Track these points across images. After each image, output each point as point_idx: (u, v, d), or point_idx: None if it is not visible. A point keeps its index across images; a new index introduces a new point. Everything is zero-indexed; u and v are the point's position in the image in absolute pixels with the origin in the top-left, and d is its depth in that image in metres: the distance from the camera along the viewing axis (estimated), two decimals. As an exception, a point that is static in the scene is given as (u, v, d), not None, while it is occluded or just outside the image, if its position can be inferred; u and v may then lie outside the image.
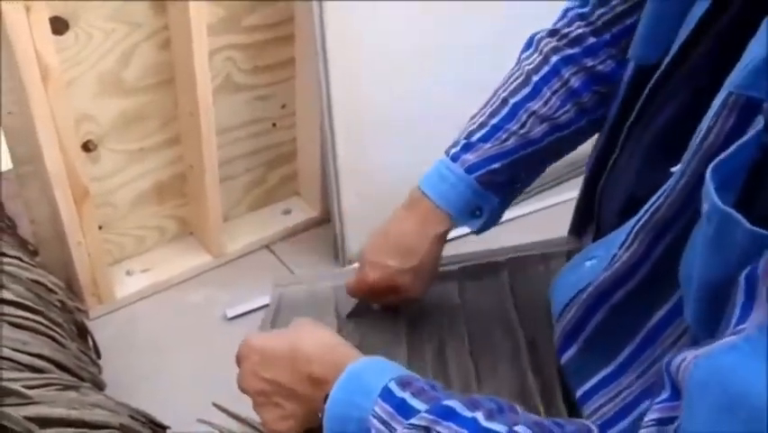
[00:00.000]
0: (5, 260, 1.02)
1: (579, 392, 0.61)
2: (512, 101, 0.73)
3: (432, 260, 0.74)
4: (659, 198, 0.51)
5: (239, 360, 0.63)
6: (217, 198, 1.51)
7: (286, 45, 1.51)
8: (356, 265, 0.80)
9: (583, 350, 0.61)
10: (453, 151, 0.73)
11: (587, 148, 0.77)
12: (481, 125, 0.73)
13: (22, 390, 0.76)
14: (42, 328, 0.95)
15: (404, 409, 0.51)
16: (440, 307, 0.79)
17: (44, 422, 0.74)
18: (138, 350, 1.41)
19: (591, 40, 0.72)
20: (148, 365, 1.37)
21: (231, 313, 1.50)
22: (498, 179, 0.73)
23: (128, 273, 1.54)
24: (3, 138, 1.26)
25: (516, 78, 0.74)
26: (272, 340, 0.61)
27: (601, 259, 0.59)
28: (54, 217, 1.33)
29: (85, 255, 1.37)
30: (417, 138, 1.53)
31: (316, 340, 0.59)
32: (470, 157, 0.72)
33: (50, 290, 1.07)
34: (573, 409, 0.64)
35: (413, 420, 0.50)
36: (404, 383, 0.53)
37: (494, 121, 0.73)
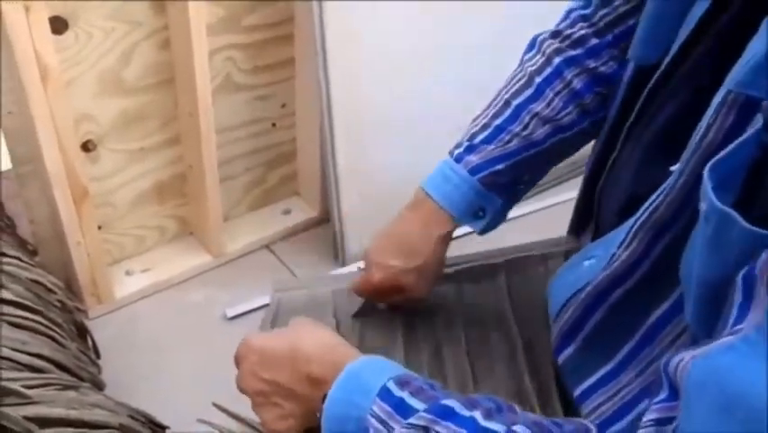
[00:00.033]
0: (5, 260, 1.02)
1: (577, 391, 0.61)
2: (515, 102, 0.73)
3: (436, 260, 0.75)
4: (658, 196, 0.51)
5: (238, 360, 0.63)
6: (217, 197, 1.51)
7: (286, 45, 1.51)
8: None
9: (582, 349, 0.61)
10: (457, 152, 0.74)
11: (587, 148, 0.77)
12: (484, 127, 0.74)
13: (22, 389, 0.76)
14: (42, 328, 0.95)
15: (402, 409, 0.51)
16: (437, 309, 0.79)
17: (43, 422, 0.74)
18: (137, 350, 1.41)
19: (594, 41, 0.72)
20: (147, 365, 1.37)
21: (231, 313, 1.50)
22: (502, 180, 0.73)
23: (128, 273, 1.54)
24: (2, 138, 1.26)
25: (519, 80, 0.75)
26: (271, 340, 0.61)
27: (600, 258, 0.59)
28: (53, 217, 1.33)
29: (84, 255, 1.37)
30: (417, 138, 1.53)
31: (316, 340, 0.59)
32: (474, 158, 0.72)
33: (50, 290, 1.07)
34: (569, 409, 0.64)
35: (411, 420, 0.49)
36: (402, 383, 0.53)
37: (497, 122, 0.73)
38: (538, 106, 0.72)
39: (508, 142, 0.72)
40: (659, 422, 0.40)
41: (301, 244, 1.69)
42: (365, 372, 0.55)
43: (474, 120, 0.76)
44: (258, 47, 1.47)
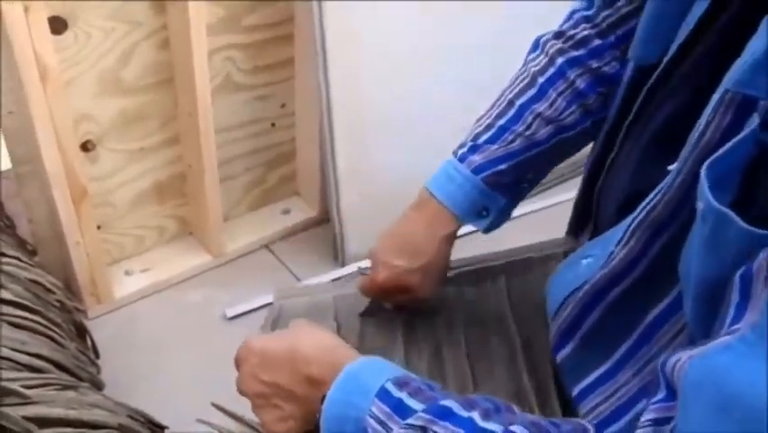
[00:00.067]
0: (4, 260, 1.02)
1: (575, 391, 0.61)
2: (518, 103, 0.74)
3: (440, 259, 0.75)
4: (656, 195, 0.51)
5: (238, 363, 0.63)
6: (217, 197, 1.51)
7: (285, 45, 1.51)
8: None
9: (579, 348, 0.61)
10: (461, 152, 0.74)
11: (588, 147, 0.77)
12: (488, 127, 0.74)
13: (21, 389, 0.76)
14: (41, 328, 0.95)
15: (401, 409, 0.51)
16: (437, 311, 0.79)
17: (43, 422, 0.74)
18: (137, 350, 1.41)
19: (596, 41, 0.73)
20: (147, 365, 1.37)
21: (230, 313, 1.50)
22: (505, 179, 0.73)
23: (127, 273, 1.54)
24: (2, 138, 1.26)
25: (523, 80, 0.75)
26: (271, 342, 0.62)
27: (598, 257, 0.59)
28: (53, 217, 1.33)
29: (83, 255, 1.37)
30: (417, 138, 1.53)
31: (316, 342, 0.59)
32: (477, 158, 0.73)
33: (49, 290, 1.07)
34: (567, 408, 0.64)
35: (410, 420, 0.50)
36: (401, 383, 0.53)
37: (500, 122, 0.74)
38: (541, 107, 0.73)
39: (512, 141, 0.73)
40: (657, 422, 0.40)
41: (301, 244, 1.69)
42: (364, 372, 0.55)
43: (478, 120, 0.76)
44: (257, 47, 1.47)
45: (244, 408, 0.66)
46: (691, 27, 0.55)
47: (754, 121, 0.40)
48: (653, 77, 0.59)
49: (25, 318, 0.93)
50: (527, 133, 0.73)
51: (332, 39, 1.33)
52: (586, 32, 0.73)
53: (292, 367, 0.58)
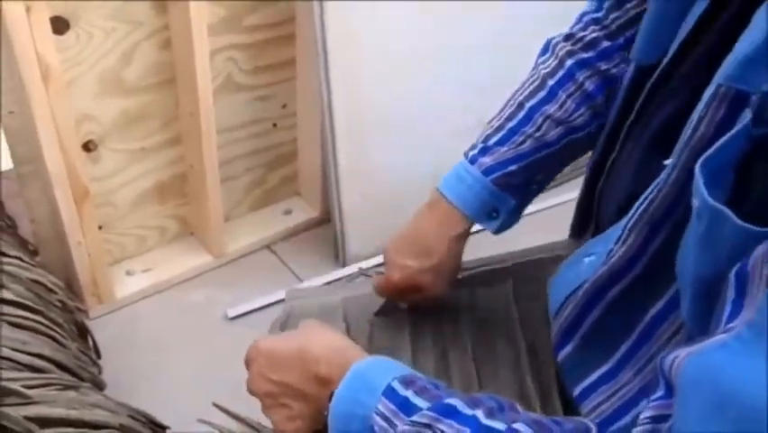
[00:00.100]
0: (5, 259, 1.02)
1: (576, 390, 0.61)
2: (528, 105, 0.74)
3: (451, 259, 0.76)
4: (652, 191, 0.51)
5: (247, 363, 0.64)
6: (218, 197, 1.51)
7: (287, 45, 1.51)
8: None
9: (580, 347, 0.61)
10: (472, 153, 0.75)
11: (590, 148, 0.78)
12: (498, 129, 0.75)
13: (22, 389, 0.76)
14: (42, 328, 0.95)
15: (406, 407, 0.51)
16: (445, 313, 0.80)
17: (44, 422, 0.75)
18: (138, 350, 1.41)
19: (605, 43, 0.73)
20: (148, 365, 1.38)
21: (232, 313, 1.50)
22: (515, 181, 0.74)
23: (128, 273, 1.54)
24: (3, 138, 1.26)
25: (533, 83, 0.76)
26: (281, 342, 0.62)
27: (600, 255, 0.59)
28: (54, 217, 1.33)
29: (85, 255, 1.37)
30: (417, 138, 1.53)
31: (327, 342, 0.60)
32: (487, 160, 0.74)
33: (50, 290, 1.07)
34: (569, 407, 0.64)
35: (415, 418, 0.50)
36: (407, 382, 0.53)
37: (510, 124, 0.74)
38: (551, 108, 0.73)
39: (521, 143, 0.73)
40: (655, 420, 0.40)
41: (302, 244, 1.69)
42: (371, 371, 0.55)
43: (489, 122, 0.77)
44: (259, 47, 1.47)
45: (245, 408, 0.66)
46: (691, 26, 0.55)
47: (747, 116, 0.40)
48: (654, 77, 0.59)
49: (27, 318, 0.94)
50: (537, 134, 0.73)
51: (332, 39, 1.33)
52: (595, 35, 0.73)
53: (302, 367, 0.59)
